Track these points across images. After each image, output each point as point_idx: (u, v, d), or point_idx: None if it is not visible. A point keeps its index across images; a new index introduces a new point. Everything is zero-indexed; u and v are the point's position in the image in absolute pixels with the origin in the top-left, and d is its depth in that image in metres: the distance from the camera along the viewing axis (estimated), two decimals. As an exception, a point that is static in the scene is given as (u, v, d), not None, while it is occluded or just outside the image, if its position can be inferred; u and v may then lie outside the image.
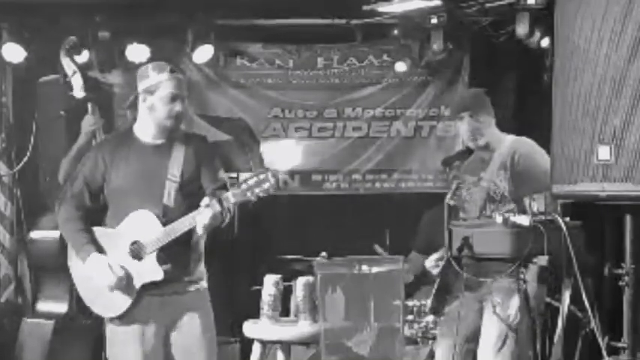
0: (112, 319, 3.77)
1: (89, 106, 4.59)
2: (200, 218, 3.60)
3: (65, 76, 4.64)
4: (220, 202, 3.60)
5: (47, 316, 4.46)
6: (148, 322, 3.74)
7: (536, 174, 3.91)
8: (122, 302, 3.73)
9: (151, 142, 3.83)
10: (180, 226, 3.67)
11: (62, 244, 4.36)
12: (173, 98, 3.78)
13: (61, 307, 4.43)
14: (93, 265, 3.71)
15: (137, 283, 3.72)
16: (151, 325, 3.74)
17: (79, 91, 4.49)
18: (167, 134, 3.82)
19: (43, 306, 4.52)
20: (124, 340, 3.76)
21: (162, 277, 3.69)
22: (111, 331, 3.80)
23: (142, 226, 3.73)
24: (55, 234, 4.43)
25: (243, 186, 3.61)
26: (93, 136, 4.65)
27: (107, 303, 3.75)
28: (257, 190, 3.59)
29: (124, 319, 3.74)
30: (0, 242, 5.81)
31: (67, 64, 4.53)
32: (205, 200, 3.62)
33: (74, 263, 3.83)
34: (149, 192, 3.76)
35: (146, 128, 3.83)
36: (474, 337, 4.04)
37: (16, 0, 5.63)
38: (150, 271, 3.71)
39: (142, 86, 3.82)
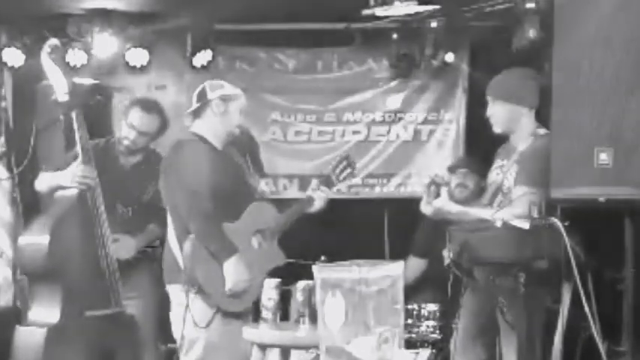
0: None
1: (74, 120, 4.40)
2: (320, 195, 4.37)
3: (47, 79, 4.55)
4: (327, 184, 4.40)
5: (39, 324, 4.40)
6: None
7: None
8: (252, 294, 4.06)
9: (221, 148, 4.18)
10: (295, 213, 4.27)
11: (52, 250, 4.34)
12: (242, 111, 4.24)
13: (52, 316, 4.38)
14: (233, 269, 3.94)
15: (264, 271, 4.06)
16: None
17: (62, 95, 4.43)
18: (228, 141, 4.22)
19: (34, 314, 4.46)
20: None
21: (285, 262, 4.17)
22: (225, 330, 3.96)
23: (262, 216, 4.13)
24: (44, 239, 4.37)
25: (336, 171, 4.45)
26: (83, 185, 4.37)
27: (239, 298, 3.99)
28: (345, 174, 4.51)
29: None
30: (-1, 246, 5.81)
31: (49, 66, 4.47)
32: (313, 186, 4.45)
33: (203, 267, 3.91)
34: (243, 188, 4.15)
35: (217, 133, 4.17)
36: (489, 332, 4.04)
37: (16, 5, 5.64)
38: (275, 256, 4.14)
39: (216, 94, 4.17)
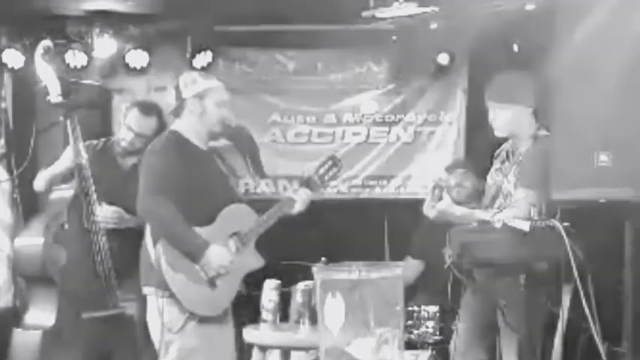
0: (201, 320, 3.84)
1: (68, 124, 4.40)
2: (301, 197, 4.15)
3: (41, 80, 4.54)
4: (309, 187, 4.19)
5: (36, 327, 4.40)
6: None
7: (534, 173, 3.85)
8: (226, 298, 3.93)
9: (201, 147, 4.02)
10: (274, 215, 4.07)
11: (47, 251, 4.34)
12: (223, 104, 4.00)
13: (48, 319, 4.37)
14: (215, 255, 3.83)
15: (240, 274, 3.95)
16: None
17: (55, 97, 4.42)
18: (213, 139, 4.05)
19: (30, 316, 4.46)
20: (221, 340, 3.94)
21: (263, 264, 4.02)
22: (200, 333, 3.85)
23: (239, 219, 3.98)
24: (39, 240, 4.36)
25: (320, 172, 4.23)
26: (75, 167, 4.44)
27: (211, 301, 3.87)
28: (330, 174, 4.27)
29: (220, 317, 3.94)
30: (-1, 247, 5.80)
31: (42, 68, 4.46)
32: (294, 187, 4.28)
33: (174, 270, 3.80)
34: (222, 191, 4.02)
35: (198, 133, 3.99)
36: (489, 333, 4.04)
37: (16, 6, 5.63)
38: (252, 259, 4.00)
39: (189, 92, 3.99)
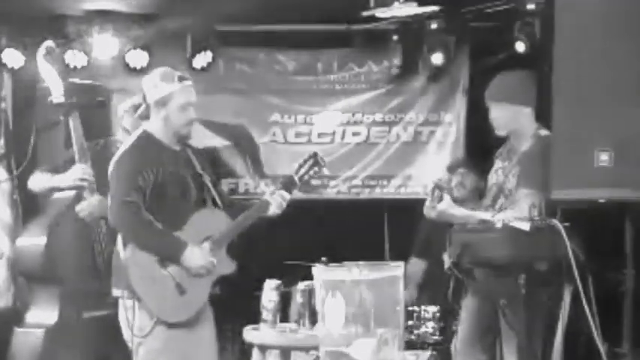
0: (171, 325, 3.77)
1: (70, 124, 4.39)
2: (276, 200, 4.01)
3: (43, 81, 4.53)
4: (288, 188, 4.08)
5: (37, 326, 4.40)
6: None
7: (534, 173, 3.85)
8: (196, 304, 3.84)
9: (173, 147, 3.92)
10: (248, 218, 3.97)
11: (49, 251, 4.34)
12: (187, 106, 3.86)
13: (50, 317, 4.37)
14: (194, 256, 3.77)
15: (210, 279, 3.86)
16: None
17: (57, 97, 4.42)
18: (184, 139, 3.94)
19: (32, 315, 4.46)
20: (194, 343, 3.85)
21: (234, 270, 3.92)
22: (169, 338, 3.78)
23: (211, 223, 3.90)
24: (41, 240, 4.36)
25: (300, 172, 4.13)
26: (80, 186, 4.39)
27: (179, 306, 3.80)
28: (311, 173, 4.16)
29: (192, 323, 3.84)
30: (-1, 247, 5.80)
31: (44, 68, 4.45)
32: (271, 189, 4.15)
33: (142, 275, 3.74)
34: (195, 191, 3.92)
35: (165, 134, 3.89)
36: (490, 334, 4.04)
37: (16, 7, 5.64)
38: (224, 264, 3.90)
39: (152, 97, 3.87)
